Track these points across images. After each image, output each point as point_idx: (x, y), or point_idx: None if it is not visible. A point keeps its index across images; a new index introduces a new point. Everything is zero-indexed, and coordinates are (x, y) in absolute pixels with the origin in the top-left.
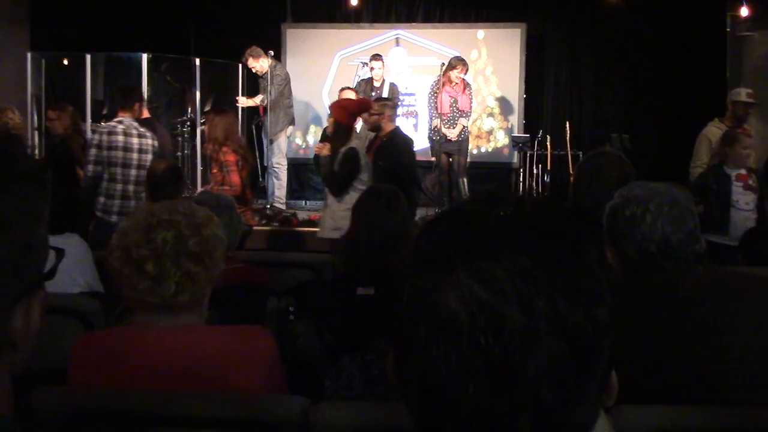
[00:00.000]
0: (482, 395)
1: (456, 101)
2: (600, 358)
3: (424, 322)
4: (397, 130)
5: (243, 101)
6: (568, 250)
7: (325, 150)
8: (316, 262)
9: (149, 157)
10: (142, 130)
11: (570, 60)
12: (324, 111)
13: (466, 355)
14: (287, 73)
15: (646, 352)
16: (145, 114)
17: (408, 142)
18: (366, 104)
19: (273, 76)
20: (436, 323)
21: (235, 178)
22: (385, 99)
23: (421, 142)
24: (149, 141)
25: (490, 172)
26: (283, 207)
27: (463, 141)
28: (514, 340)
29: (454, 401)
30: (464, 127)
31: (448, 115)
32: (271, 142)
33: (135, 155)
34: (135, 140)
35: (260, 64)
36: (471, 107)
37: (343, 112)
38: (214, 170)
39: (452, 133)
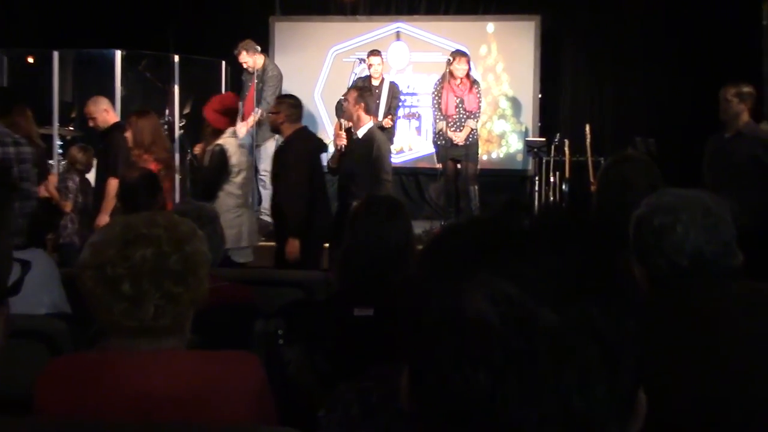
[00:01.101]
0: (511, 406)
1: (462, 101)
2: (629, 368)
3: (448, 328)
4: (300, 132)
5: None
6: (596, 256)
7: (198, 151)
8: (307, 280)
9: (29, 167)
10: (16, 137)
11: (589, 56)
12: (317, 113)
13: (495, 361)
14: (281, 72)
15: (675, 373)
16: (114, 118)
17: (307, 149)
18: (232, 102)
19: (267, 78)
20: (463, 328)
21: None
22: (285, 96)
23: (425, 147)
24: (27, 149)
25: (502, 180)
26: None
27: (471, 145)
28: (547, 341)
29: (481, 416)
30: (472, 129)
31: (454, 116)
32: (258, 146)
33: (14, 168)
34: (11, 149)
35: (254, 59)
36: (479, 107)
37: (208, 109)
38: None
39: (459, 137)
